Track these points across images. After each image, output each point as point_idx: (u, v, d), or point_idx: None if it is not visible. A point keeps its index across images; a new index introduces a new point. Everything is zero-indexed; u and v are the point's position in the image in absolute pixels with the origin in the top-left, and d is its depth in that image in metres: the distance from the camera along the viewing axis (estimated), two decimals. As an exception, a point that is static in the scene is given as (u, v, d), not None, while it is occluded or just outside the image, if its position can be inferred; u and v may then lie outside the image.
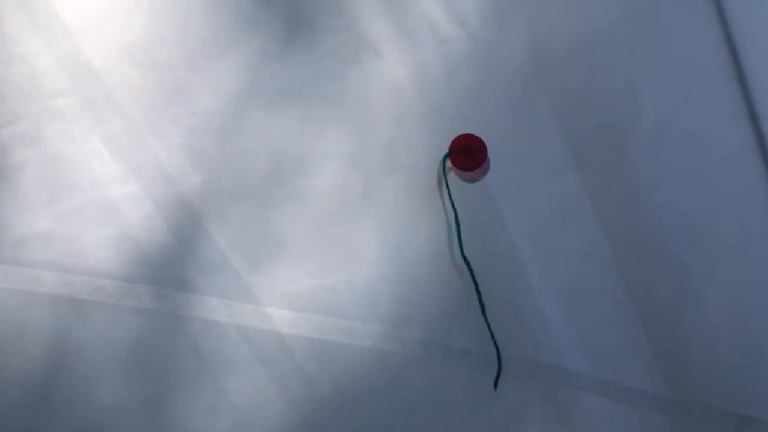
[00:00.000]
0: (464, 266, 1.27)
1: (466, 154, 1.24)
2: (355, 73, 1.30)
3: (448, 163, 1.25)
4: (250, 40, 1.30)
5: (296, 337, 1.27)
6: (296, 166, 1.29)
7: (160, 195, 1.28)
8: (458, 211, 1.27)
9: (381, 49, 1.31)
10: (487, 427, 1.27)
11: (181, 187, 1.28)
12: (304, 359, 1.27)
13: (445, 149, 1.24)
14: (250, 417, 1.25)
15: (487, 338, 1.26)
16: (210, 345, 1.26)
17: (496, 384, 1.26)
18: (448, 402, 1.27)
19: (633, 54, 1.31)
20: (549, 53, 1.31)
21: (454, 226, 1.27)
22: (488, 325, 1.26)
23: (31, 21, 1.30)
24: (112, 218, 1.28)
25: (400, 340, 1.27)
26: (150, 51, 1.30)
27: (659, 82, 1.31)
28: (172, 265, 1.27)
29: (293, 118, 1.30)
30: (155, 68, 1.30)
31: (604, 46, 1.31)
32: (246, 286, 1.28)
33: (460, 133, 1.24)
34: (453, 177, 1.28)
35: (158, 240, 1.27)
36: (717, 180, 1.30)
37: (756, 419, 1.27)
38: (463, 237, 1.27)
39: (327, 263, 1.28)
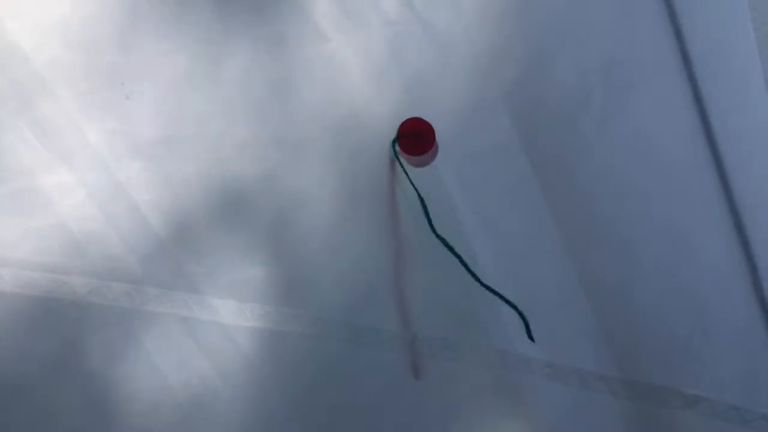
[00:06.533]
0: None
1: (415, 139, 1.21)
2: (299, 56, 1.26)
3: (398, 147, 1.22)
4: (188, 21, 1.24)
5: (242, 328, 1.23)
6: (237, 152, 1.24)
7: (95, 182, 1.22)
8: (411, 194, 1.25)
9: (326, 30, 1.27)
10: (439, 411, 1.27)
11: (117, 175, 1.22)
12: (250, 350, 1.23)
13: (394, 133, 1.22)
14: (197, 411, 1.21)
15: (435, 320, 1.26)
16: (152, 338, 1.22)
17: (530, 335, 1.28)
18: (398, 388, 1.25)
19: (583, 40, 1.31)
20: (497, 36, 1.30)
21: (418, 207, 1.25)
22: (493, 290, 1.26)
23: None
24: (44, 208, 1.21)
25: (350, 329, 1.25)
26: (81, 31, 1.22)
27: (608, 68, 1.31)
28: (109, 256, 1.22)
29: (235, 103, 1.25)
30: (87, 49, 1.22)
31: (554, 31, 1.31)
32: (188, 276, 1.23)
33: (408, 117, 1.22)
34: (403, 162, 1.26)
35: (94, 230, 1.21)
36: (664, 160, 1.32)
37: (702, 398, 1.30)
38: (419, 219, 1.25)
39: (273, 252, 1.24)
